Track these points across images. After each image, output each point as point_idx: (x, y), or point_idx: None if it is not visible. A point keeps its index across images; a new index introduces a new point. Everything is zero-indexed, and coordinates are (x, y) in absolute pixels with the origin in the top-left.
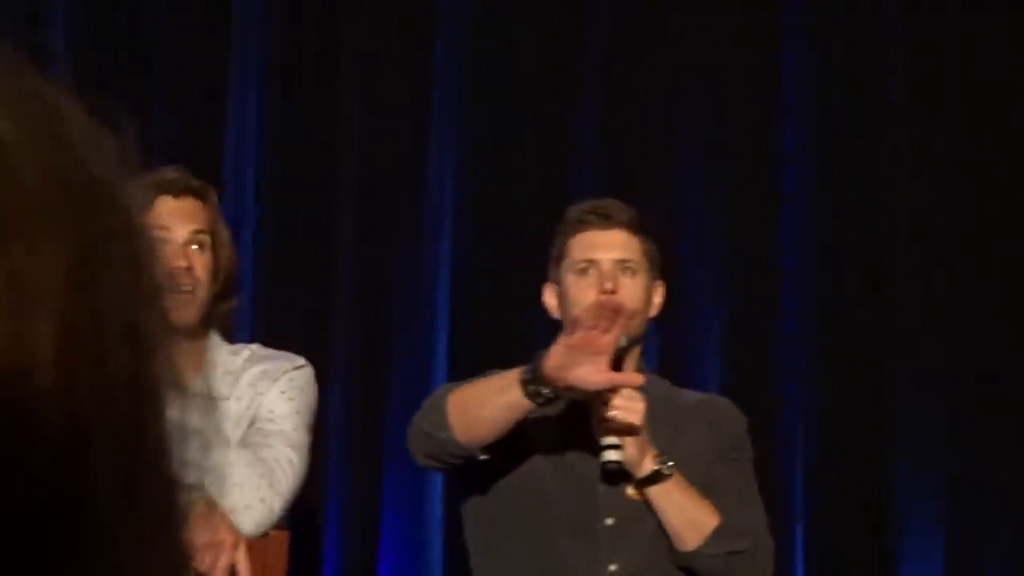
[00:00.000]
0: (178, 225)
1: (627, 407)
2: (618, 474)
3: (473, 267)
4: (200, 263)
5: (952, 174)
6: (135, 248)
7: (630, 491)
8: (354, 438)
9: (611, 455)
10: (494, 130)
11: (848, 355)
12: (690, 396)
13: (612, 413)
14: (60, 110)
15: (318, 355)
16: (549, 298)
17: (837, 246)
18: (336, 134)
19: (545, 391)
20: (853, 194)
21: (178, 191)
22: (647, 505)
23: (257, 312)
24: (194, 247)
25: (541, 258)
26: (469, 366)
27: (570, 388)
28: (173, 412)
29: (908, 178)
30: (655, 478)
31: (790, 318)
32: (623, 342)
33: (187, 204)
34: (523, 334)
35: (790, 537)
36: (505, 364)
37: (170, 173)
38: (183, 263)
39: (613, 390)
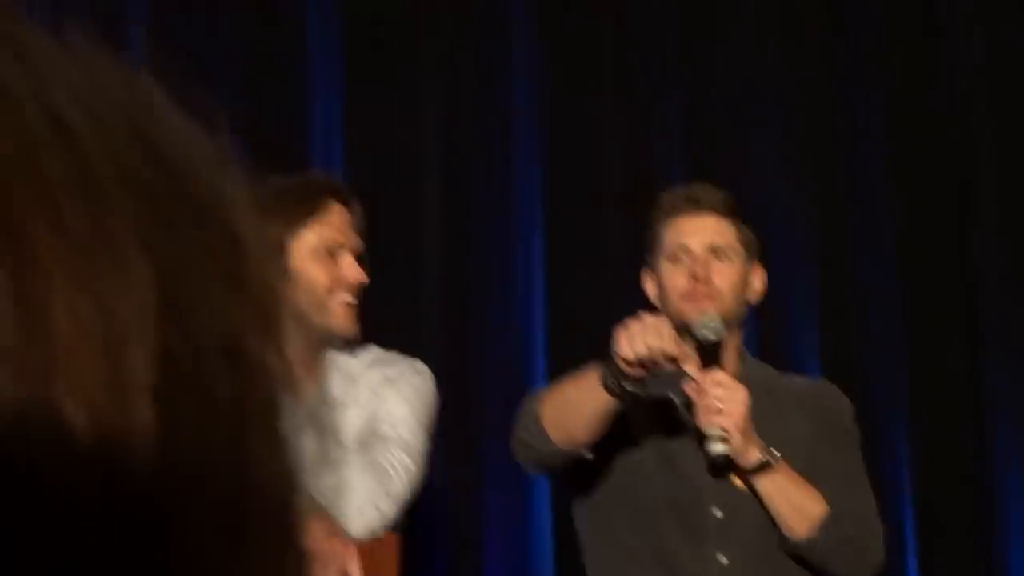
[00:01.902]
0: (351, 236)
1: (730, 396)
2: (725, 465)
3: (566, 258)
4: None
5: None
6: (239, 262)
7: (737, 482)
8: (455, 438)
9: (717, 446)
10: (578, 118)
11: (941, 328)
12: (793, 382)
13: (716, 403)
14: (155, 114)
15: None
16: (648, 286)
17: (925, 214)
18: (419, 140)
19: (625, 384)
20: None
21: (347, 199)
22: (755, 495)
23: None
24: (360, 261)
25: (631, 245)
26: (568, 359)
27: (643, 369)
28: (289, 424)
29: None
30: (762, 467)
31: (879, 296)
32: (721, 329)
33: (352, 215)
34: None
35: (900, 521)
36: (605, 356)
37: (330, 177)
38: (363, 278)
39: (715, 380)
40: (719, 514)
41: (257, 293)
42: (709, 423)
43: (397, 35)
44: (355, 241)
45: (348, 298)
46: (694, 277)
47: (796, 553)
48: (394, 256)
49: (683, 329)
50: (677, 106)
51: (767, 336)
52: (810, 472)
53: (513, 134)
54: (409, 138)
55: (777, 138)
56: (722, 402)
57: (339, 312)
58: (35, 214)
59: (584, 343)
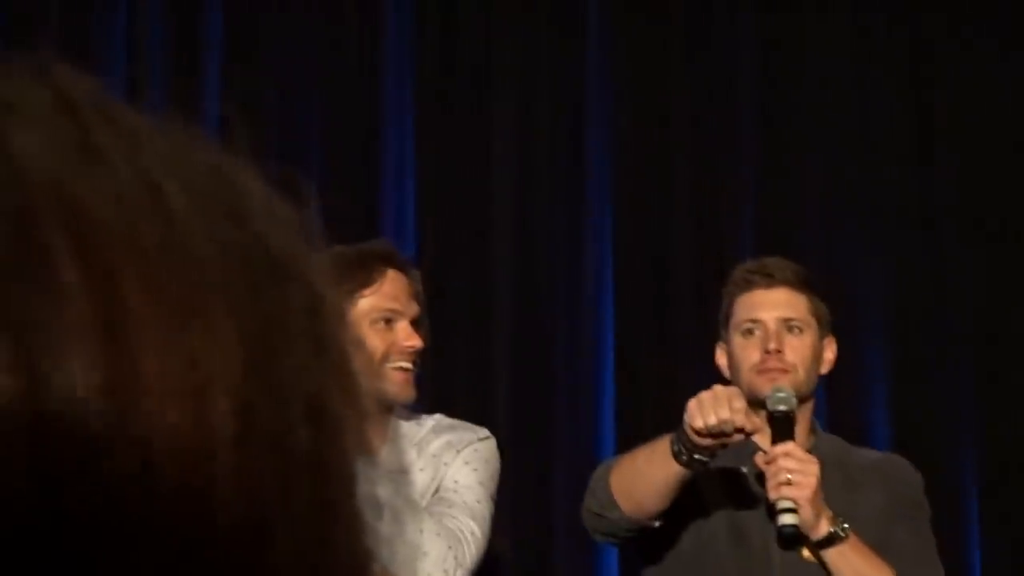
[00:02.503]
0: (407, 303)
1: (801, 469)
2: (794, 537)
3: (636, 328)
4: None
5: None
6: (319, 323)
7: (806, 554)
8: (523, 505)
9: (787, 518)
10: (649, 185)
11: (1014, 404)
12: (864, 455)
13: (786, 476)
14: (237, 180)
15: (481, 418)
16: (720, 358)
17: (1001, 298)
18: (491, 207)
19: (696, 455)
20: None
21: (403, 266)
22: (823, 567)
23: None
24: (418, 327)
25: (701, 317)
26: (638, 429)
27: (714, 441)
28: (364, 487)
29: None
30: (831, 540)
31: (956, 370)
32: (793, 402)
33: (409, 282)
34: (689, 394)
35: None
36: (672, 427)
37: (386, 245)
38: (417, 344)
39: (786, 452)
40: None
41: (335, 354)
42: (779, 495)
43: (468, 96)
44: (411, 308)
45: (404, 364)
46: (767, 351)
47: None
48: (464, 323)
49: (755, 402)
50: (749, 176)
51: (838, 408)
52: (880, 545)
53: (584, 209)
54: (480, 208)
55: (851, 209)
56: (793, 474)
57: (395, 378)
58: (129, 273)
59: (653, 413)
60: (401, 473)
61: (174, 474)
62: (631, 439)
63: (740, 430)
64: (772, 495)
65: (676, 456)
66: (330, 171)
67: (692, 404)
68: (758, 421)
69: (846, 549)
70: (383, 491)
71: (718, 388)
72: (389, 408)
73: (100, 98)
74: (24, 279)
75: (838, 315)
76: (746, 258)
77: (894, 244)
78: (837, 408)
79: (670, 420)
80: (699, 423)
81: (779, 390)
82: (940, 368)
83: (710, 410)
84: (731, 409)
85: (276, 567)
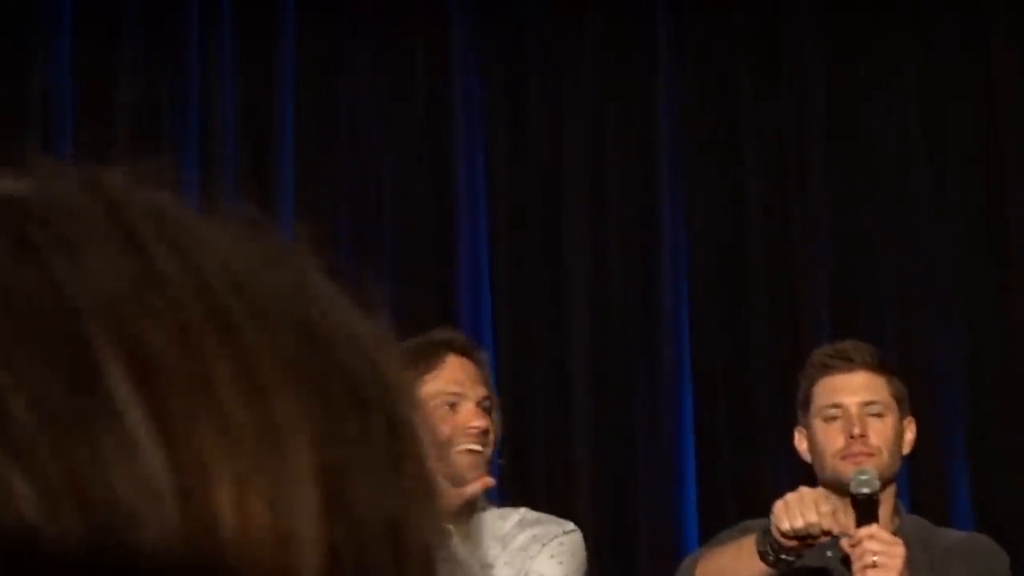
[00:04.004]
0: (471, 386)
1: (886, 551)
2: None
3: (715, 417)
4: (489, 427)
5: None
6: (400, 441)
7: None
8: None
9: None
10: (725, 266)
11: None
12: (949, 535)
13: (872, 558)
14: (310, 294)
15: (563, 512)
16: (799, 443)
17: None
18: (567, 296)
19: (782, 555)
20: None
21: (465, 351)
22: None
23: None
24: (483, 410)
25: (780, 403)
26: (718, 521)
27: (800, 542)
28: None
29: None
30: None
31: None
32: (876, 484)
33: (473, 367)
34: (769, 479)
35: None
36: (754, 512)
37: (449, 332)
38: (482, 424)
39: (871, 535)
40: None
41: (414, 470)
42: None
43: (539, 169)
44: (477, 391)
45: (471, 446)
46: (851, 435)
47: None
48: (542, 415)
49: (840, 487)
50: (824, 251)
51: (920, 488)
52: None
53: (660, 295)
54: (555, 298)
55: (929, 282)
56: (878, 556)
57: (462, 462)
58: (199, 412)
59: (735, 502)
60: (484, 569)
61: None
62: (713, 529)
63: (827, 533)
64: None
65: (762, 556)
66: (406, 262)
67: (779, 506)
68: (845, 522)
69: None
70: None
71: (804, 490)
72: (472, 502)
73: (159, 213)
74: (85, 429)
75: (917, 395)
76: (822, 341)
77: (969, 319)
78: (919, 488)
79: (752, 509)
80: (786, 526)
81: (862, 472)
82: (1021, 445)
83: (797, 513)
84: (818, 512)
85: None
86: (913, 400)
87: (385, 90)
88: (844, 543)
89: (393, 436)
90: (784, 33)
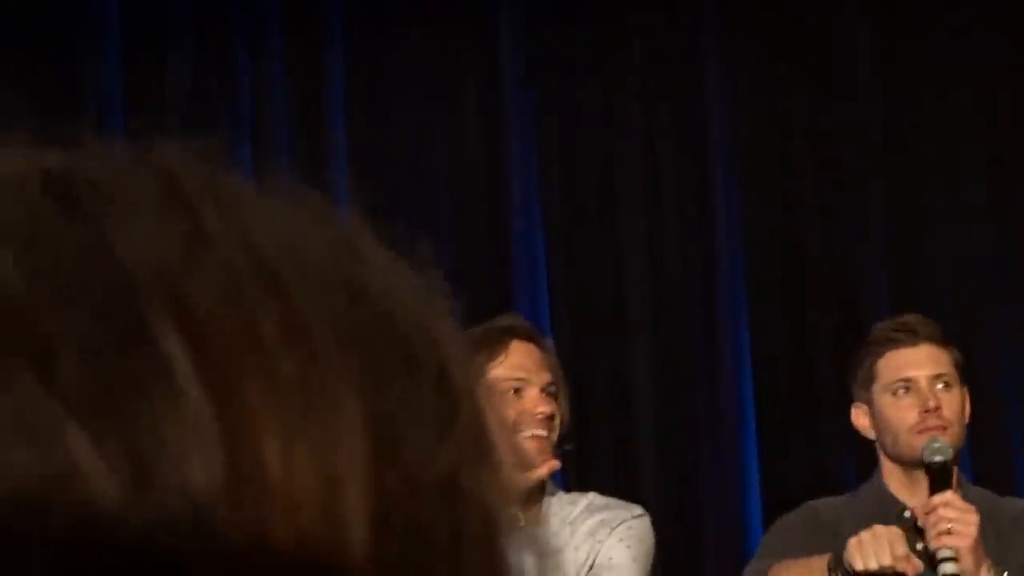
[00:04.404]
0: (536, 371)
1: (961, 519)
2: None
3: (776, 397)
4: (555, 412)
5: None
6: (450, 400)
7: None
8: None
9: (948, 568)
10: (781, 269)
11: None
12: (1012, 504)
13: (947, 525)
14: (359, 252)
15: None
16: (859, 419)
17: None
18: (622, 284)
19: None
20: None
21: (529, 336)
22: None
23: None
24: (548, 395)
25: (844, 398)
26: (781, 504)
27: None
28: (510, 562)
29: None
30: None
31: None
32: (949, 452)
33: (538, 351)
34: (832, 470)
35: None
36: (818, 492)
37: (512, 319)
38: (547, 409)
39: (946, 502)
40: None
41: (468, 428)
42: (940, 544)
43: (592, 183)
44: (542, 376)
45: (537, 431)
46: (925, 410)
47: None
48: (605, 405)
49: (913, 461)
50: (880, 229)
51: (981, 460)
52: None
53: (717, 285)
54: (611, 283)
55: (981, 256)
56: (953, 523)
57: (529, 447)
58: (247, 366)
59: (798, 482)
60: (554, 553)
61: (307, 571)
62: (777, 511)
63: (899, 573)
64: (933, 544)
65: (832, 571)
66: (461, 267)
67: (853, 544)
68: (918, 563)
69: None
70: (533, 567)
71: (879, 529)
72: (541, 487)
73: (209, 178)
74: (134, 381)
75: (976, 364)
76: (880, 317)
77: None
78: (981, 460)
79: (813, 489)
80: (860, 566)
81: (935, 440)
82: None
83: (871, 554)
84: (893, 556)
85: None
86: (973, 369)
87: (437, 96)
88: (918, 511)
89: (444, 394)
90: (837, 33)
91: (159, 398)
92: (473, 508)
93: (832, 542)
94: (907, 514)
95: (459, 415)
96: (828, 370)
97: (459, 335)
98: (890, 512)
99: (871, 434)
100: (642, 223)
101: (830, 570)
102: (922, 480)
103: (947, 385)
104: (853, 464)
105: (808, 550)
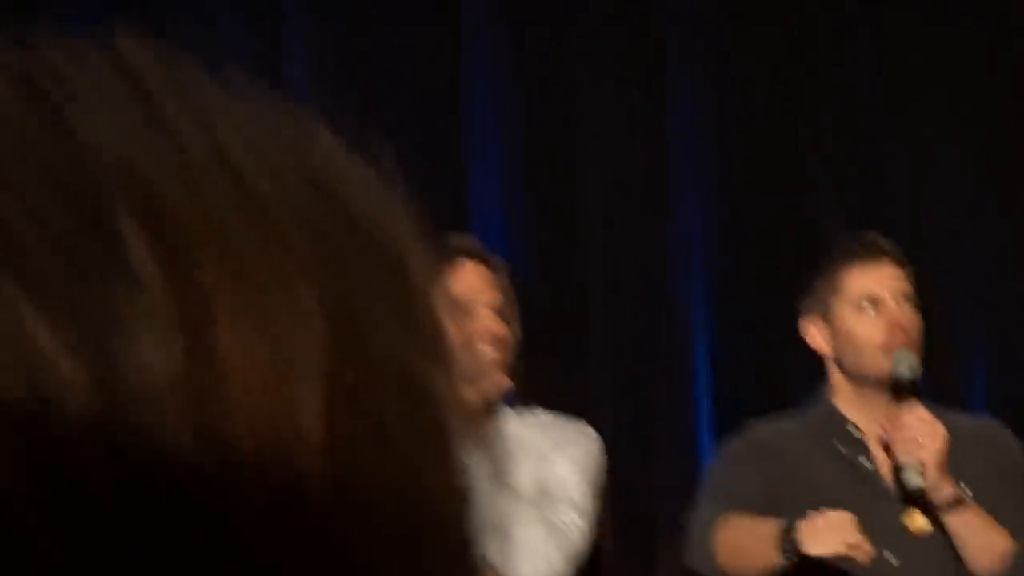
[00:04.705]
0: (486, 292)
1: (930, 432)
2: (919, 498)
3: (729, 308)
4: (505, 331)
5: None
6: (408, 294)
7: (912, 526)
8: (624, 500)
9: (915, 479)
10: (734, 166)
11: None
12: (961, 419)
13: (916, 437)
14: (317, 145)
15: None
16: (814, 334)
17: None
18: (576, 188)
19: (799, 557)
20: None
21: (480, 257)
22: (936, 538)
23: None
24: (498, 315)
25: (791, 292)
26: (733, 418)
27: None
28: (463, 457)
29: None
30: (954, 504)
31: None
32: (917, 367)
33: (488, 272)
34: (783, 366)
35: None
36: (767, 402)
37: (464, 239)
38: (497, 329)
39: (915, 415)
40: (896, 563)
41: (425, 323)
42: (908, 456)
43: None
44: (492, 297)
45: (486, 350)
46: (894, 327)
47: None
48: (559, 313)
49: (879, 379)
50: (834, 151)
51: (934, 381)
52: (986, 508)
53: (670, 183)
54: (567, 207)
55: (941, 171)
56: (922, 436)
57: (478, 364)
58: (206, 252)
59: (750, 394)
60: (504, 468)
61: (260, 460)
62: (729, 426)
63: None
64: (900, 456)
65: (783, 553)
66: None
67: (804, 529)
68: (869, 550)
69: (968, 515)
70: (486, 484)
71: (832, 516)
72: (491, 405)
73: (170, 72)
74: (92, 265)
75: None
76: (836, 237)
77: (984, 213)
78: (932, 382)
79: (765, 402)
80: (811, 551)
81: (904, 354)
82: None
83: (822, 540)
84: (845, 544)
85: (374, 552)
86: (931, 291)
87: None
88: (884, 423)
89: (403, 289)
90: None
91: (117, 283)
92: (430, 405)
93: (780, 468)
94: (851, 428)
95: (417, 310)
96: (782, 286)
97: (418, 234)
98: (838, 430)
99: (826, 349)
100: (598, 140)
101: (782, 540)
102: (875, 399)
103: (911, 304)
104: (802, 380)
105: (756, 483)
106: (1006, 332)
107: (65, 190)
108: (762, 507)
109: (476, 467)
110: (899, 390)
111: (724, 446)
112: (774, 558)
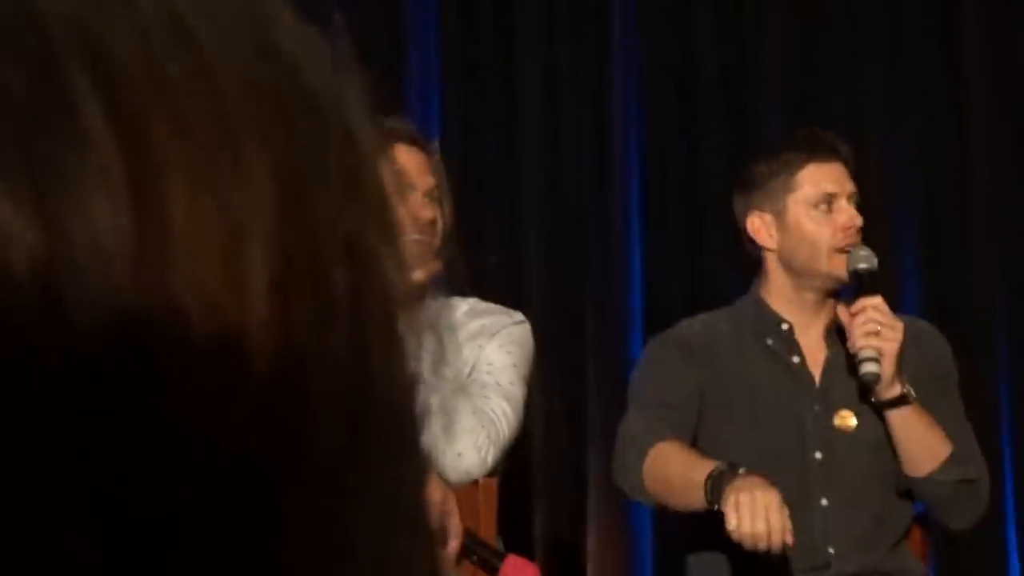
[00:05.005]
0: (419, 176)
1: (890, 324)
2: (872, 387)
3: (664, 197)
4: (438, 217)
5: None
6: (355, 161)
7: (837, 422)
8: (556, 390)
9: (870, 367)
10: (672, 67)
11: None
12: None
13: (876, 327)
14: (267, 12)
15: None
16: (759, 228)
17: None
18: (515, 93)
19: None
20: None
21: (414, 140)
22: (861, 435)
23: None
24: (432, 200)
25: (726, 194)
26: (664, 312)
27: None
28: (407, 330)
29: None
30: (901, 401)
31: (982, 240)
32: (875, 260)
33: (422, 157)
34: (714, 271)
35: (999, 464)
36: (698, 305)
37: (397, 122)
38: (429, 214)
39: (875, 306)
40: (819, 456)
41: (372, 192)
42: (866, 344)
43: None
44: (425, 181)
45: (418, 235)
46: (849, 227)
47: (915, 489)
48: (493, 210)
49: (832, 279)
50: (776, 46)
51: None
52: None
53: (610, 78)
54: (506, 88)
55: (878, 79)
56: (882, 327)
57: (409, 250)
58: (154, 112)
59: (682, 287)
60: (443, 352)
61: (207, 323)
62: (661, 314)
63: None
64: (859, 343)
65: (708, 502)
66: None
67: (730, 505)
68: (790, 537)
69: (910, 411)
70: (427, 368)
71: (758, 495)
72: (420, 291)
73: None
74: (43, 123)
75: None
76: (775, 133)
77: (923, 133)
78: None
79: (698, 301)
80: (733, 527)
81: (861, 248)
82: (970, 260)
83: (746, 519)
84: (768, 526)
85: (315, 412)
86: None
87: None
88: (843, 313)
89: (350, 156)
90: None
91: (68, 141)
92: (376, 274)
93: (708, 368)
94: (783, 326)
95: (363, 179)
96: (718, 182)
97: (365, 104)
98: (769, 325)
99: (770, 243)
100: (535, 29)
101: (708, 490)
102: (813, 299)
103: (858, 204)
104: (735, 275)
105: (684, 388)
106: (937, 240)
107: (16, 46)
108: (691, 415)
109: (418, 350)
110: (859, 286)
111: (651, 346)
112: (700, 503)
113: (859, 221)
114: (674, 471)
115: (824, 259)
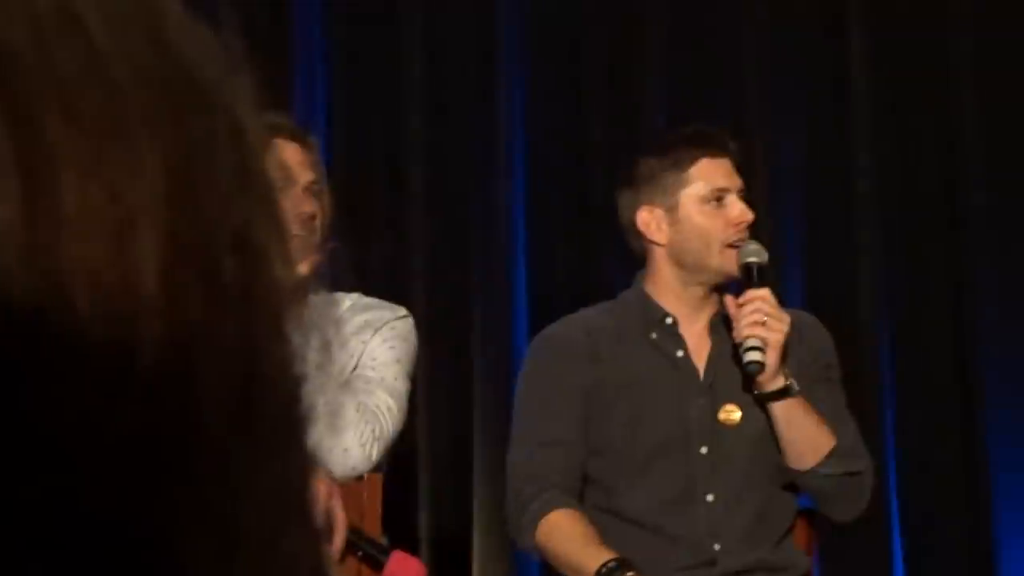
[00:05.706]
0: (299, 171)
1: (776, 316)
2: (756, 377)
3: (549, 193)
4: (318, 211)
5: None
6: (244, 154)
7: (720, 418)
8: (441, 381)
9: (755, 356)
10: (559, 58)
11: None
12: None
13: (763, 317)
14: (157, 5)
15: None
16: (650, 223)
17: (911, 156)
18: (400, 77)
19: None
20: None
21: (294, 135)
22: (745, 428)
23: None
24: (312, 195)
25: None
26: (549, 303)
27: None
28: (293, 322)
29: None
30: (784, 393)
31: (868, 229)
32: (765, 255)
33: (302, 151)
34: (600, 264)
35: (883, 456)
36: (583, 300)
37: (278, 117)
38: (309, 208)
39: (763, 297)
40: (704, 451)
41: (260, 186)
42: (752, 333)
43: None
44: (304, 175)
45: (298, 230)
46: (740, 222)
47: (798, 482)
48: (377, 203)
49: (721, 274)
50: (662, 36)
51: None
52: None
53: (495, 65)
54: (391, 73)
55: (767, 73)
56: (769, 318)
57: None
58: (45, 101)
59: (568, 289)
60: (328, 348)
61: (96, 311)
62: (546, 311)
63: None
64: (745, 332)
65: None
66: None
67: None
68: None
69: (794, 404)
70: (312, 363)
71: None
72: (305, 283)
73: None
74: None
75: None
76: (656, 126)
77: (806, 128)
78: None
79: (584, 298)
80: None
81: (751, 242)
82: (853, 253)
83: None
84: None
85: (202, 400)
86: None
87: None
88: (730, 303)
89: (238, 149)
90: None
91: None
92: (265, 266)
93: (593, 367)
94: (668, 320)
95: (252, 173)
96: (601, 176)
97: (255, 100)
98: (653, 319)
99: (660, 238)
100: (421, 24)
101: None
102: (699, 294)
103: (747, 201)
104: (620, 269)
105: (569, 401)
106: (820, 233)
107: None
108: (580, 449)
109: (304, 345)
110: (748, 279)
111: (532, 352)
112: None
113: (750, 216)
114: (565, 549)
115: (715, 254)
